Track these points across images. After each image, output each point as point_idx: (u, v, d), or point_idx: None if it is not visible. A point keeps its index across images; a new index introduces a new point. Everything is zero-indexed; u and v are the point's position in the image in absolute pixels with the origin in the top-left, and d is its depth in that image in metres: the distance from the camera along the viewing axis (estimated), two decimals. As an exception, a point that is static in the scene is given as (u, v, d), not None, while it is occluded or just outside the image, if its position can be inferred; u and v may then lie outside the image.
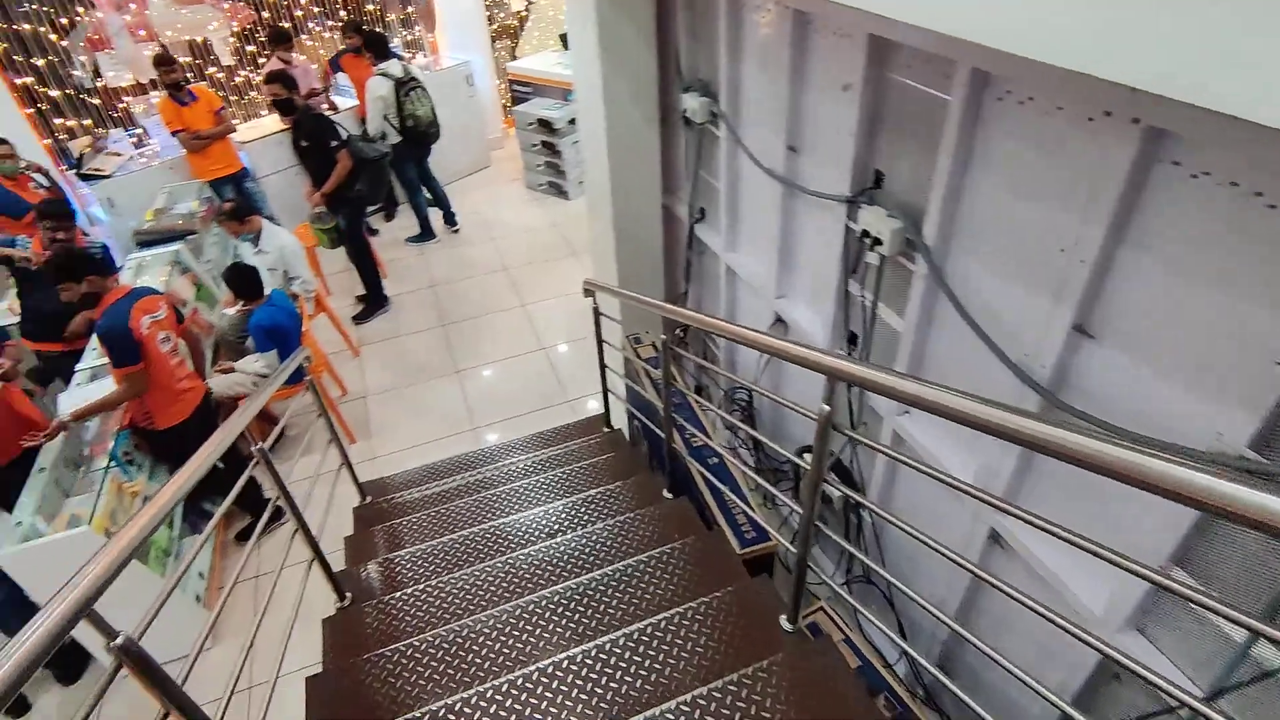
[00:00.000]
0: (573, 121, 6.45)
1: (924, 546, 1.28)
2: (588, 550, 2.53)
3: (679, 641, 1.94)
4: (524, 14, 8.14)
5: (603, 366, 3.58)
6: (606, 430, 3.78)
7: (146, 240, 4.51)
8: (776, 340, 1.78)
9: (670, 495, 2.83)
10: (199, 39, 5.92)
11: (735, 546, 2.42)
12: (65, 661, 3.10)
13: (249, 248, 4.35)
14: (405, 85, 5.28)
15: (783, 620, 1.89)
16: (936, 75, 1.79)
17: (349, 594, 2.57)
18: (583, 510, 2.84)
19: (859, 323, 2.41)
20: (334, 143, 4.57)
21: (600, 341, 3.49)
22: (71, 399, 3.25)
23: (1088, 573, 1.69)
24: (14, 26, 4.93)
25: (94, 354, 3.60)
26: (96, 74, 5.46)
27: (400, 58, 5.55)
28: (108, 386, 3.17)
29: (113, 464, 3.01)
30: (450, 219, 6.38)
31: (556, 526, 2.80)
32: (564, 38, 6.83)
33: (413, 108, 5.34)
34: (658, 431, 3.00)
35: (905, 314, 2.12)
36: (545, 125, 6.45)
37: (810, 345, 1.61)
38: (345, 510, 3.33)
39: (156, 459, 3.35)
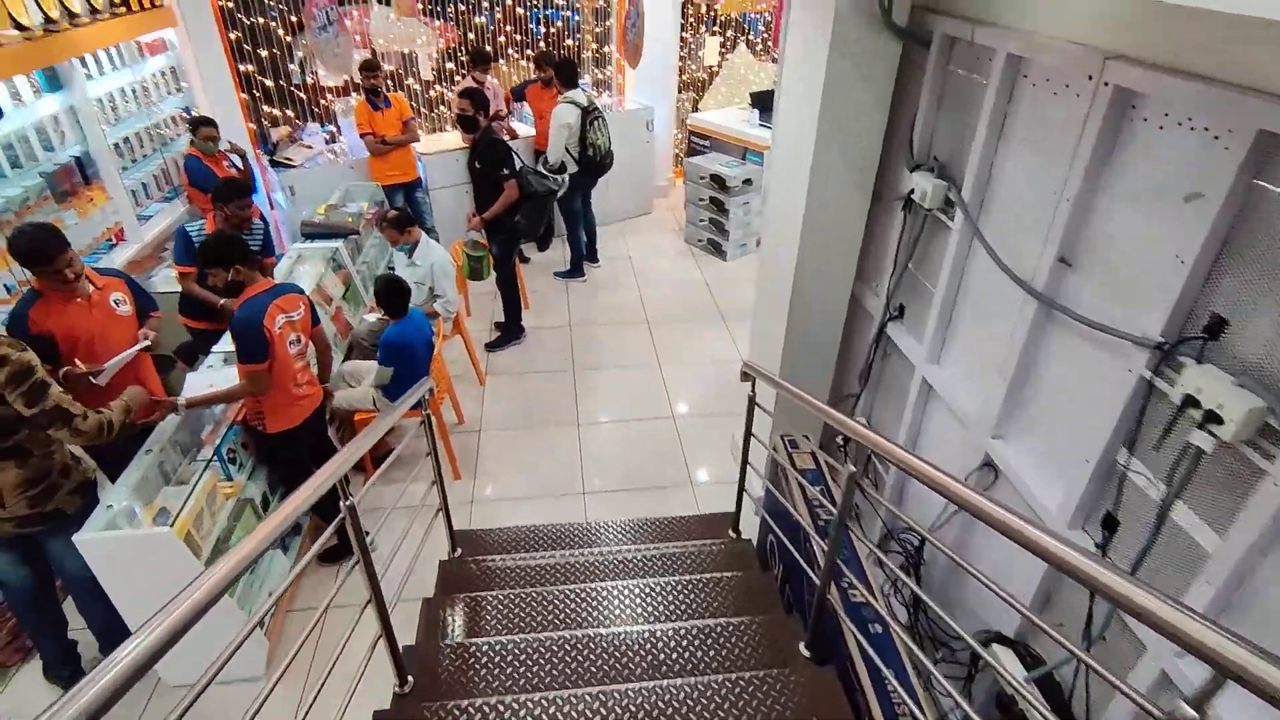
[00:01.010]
0: (748, 182, 6.10)
1: None
2: (699, 711, 2.00)
3: None
4: (715, 69, 8.00)
5: (745, 464, 3.07)
6: (734, 536, 3.24)
7: (311, 233, 4.54)
8: (996, 508, 1.32)
9: (810, 655, 2.25)
10: (406, 50, 6.14)
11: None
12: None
13: (403, 258, 4.26)
14: (590, 114, 5.17)
15: None
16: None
17: (411, 679, 2.17)
18: (696, 646, 2.31)
19: (1128, 511, 1.77)
20: (505, 170, 4.44)
21: (749, 436, 2.99)
22: (199, 381, 3.14)
23: None
24: (251, 19, 5.27)
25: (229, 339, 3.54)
26: (303, 69, 5.75)
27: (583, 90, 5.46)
28: (233, 376, 3.04)
29: (215, 459, 2.83)
30: (593, 254, 6.19)
31: (663, 659, 2.28)
32: (755, 97, 6.55)
33: (594, 136, 5.23)
34: (799, 561, 2.44)
35: (1230, 532, 1.46)
36: (718, 181, 6.13)
37: (1037, 521, 1.27)
38: (432, 559, 2.99)
39: (259, 461, 3.17)
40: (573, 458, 4.10)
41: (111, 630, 2.74)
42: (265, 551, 1.54)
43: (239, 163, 4.62)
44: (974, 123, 2.29)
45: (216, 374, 3.22)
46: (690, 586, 2.68)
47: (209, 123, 4.27)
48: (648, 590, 2.66)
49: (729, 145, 6.41)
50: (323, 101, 5.89)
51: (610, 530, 3.30)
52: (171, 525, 2.43)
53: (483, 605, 2.62)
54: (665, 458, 4.13)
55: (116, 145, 4.07)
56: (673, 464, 4.08)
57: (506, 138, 5.68)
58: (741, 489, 3.14)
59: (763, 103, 6.49)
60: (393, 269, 4.35)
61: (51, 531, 2.54)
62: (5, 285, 3.25)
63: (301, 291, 3.07)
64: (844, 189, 2.81)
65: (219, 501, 2.77)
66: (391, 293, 3.62)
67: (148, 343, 3.00)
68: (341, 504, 1.79)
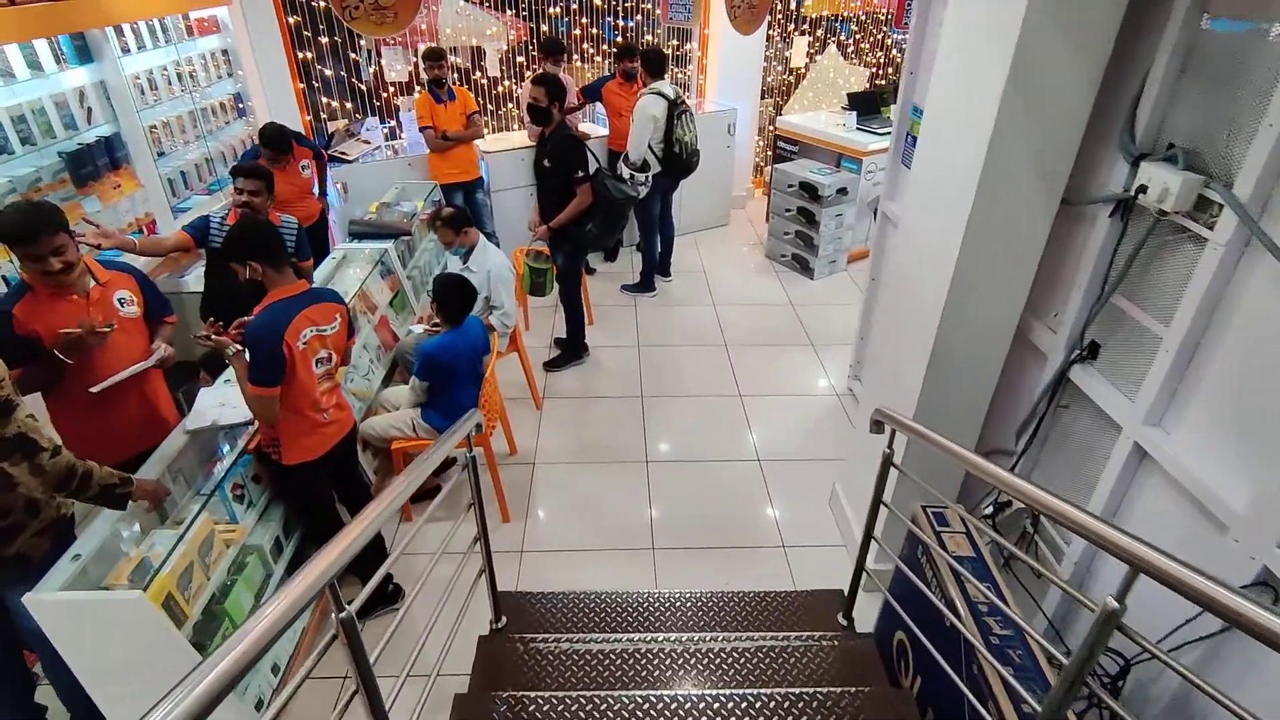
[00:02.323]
0: (842, 191, 5.42)
1: None
2: None
3: None
4: (803, 71, 7.35)
5: (869, 537, 2.39)
6: (846, 627, 2.55)
7: (359, 232, 4.09)
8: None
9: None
10: (473, 42, 5.71)
11: None
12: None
13: (457, 262, 3.74)
14: (677, 107, 4.61)
15: None
16: None
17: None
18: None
19: None
20: (580, 173, 3.88)
21: (879, 503, 2.31)
22: (211, 399, 2.66)
23: None
24: (313, 2, 4.91)
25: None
26: (371, 57, 5.37)
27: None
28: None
29: (216, 495, 2.32)
30: (665, 267, 5.60)
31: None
32: (853, 98, 5.88)
33: (681, 132, 4.67)
34: (954, 678, 1.75)
35: None
36: (808, 191, 5.47)
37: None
38: (471, 632, 2.42)
39: (274, 497, 2.66)
40: (639, 502, 3.48)
41: (83, 701, 2.25)
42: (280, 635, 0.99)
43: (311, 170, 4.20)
44: (1253, 92, 1.60)
45: (234, 390, 2.73)
46: (797, 708, 2.02)
47: (274, 137, 3.82)
48: (739, 710, 2.00)
49: (821, 151, 5.75)
50: (384, 94, 5.50)
51: (686, 607, 2.65)
52: (146, 588, 1.91)
53: (527, 713, 2.01)
54: (748, 509, 3.46)
55: (153, 128, 3.70)
56: (758, 517, 3.41)
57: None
58: (861, 569, 2.46)
59: (862, 104, 5.81)
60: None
61: (12, 581, 2.05)
62: (4, 277, 2.85)
63: (341, 300, 2.55)
64: (1026, 190, 2.13)
65: (217, 550, 2.25)
66: (453, 295, 3.10)
67: (159, 357, 2.53)
68: (334, 616, 1.20)
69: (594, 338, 4.75)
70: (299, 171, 4.07)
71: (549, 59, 5.06)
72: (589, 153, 3.97)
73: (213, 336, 2.37)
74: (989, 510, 2.59)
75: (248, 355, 2.28)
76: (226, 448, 2.61)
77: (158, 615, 1.92)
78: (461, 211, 3.64)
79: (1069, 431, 2.33)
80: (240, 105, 4.62)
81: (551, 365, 4.51)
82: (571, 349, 4.55)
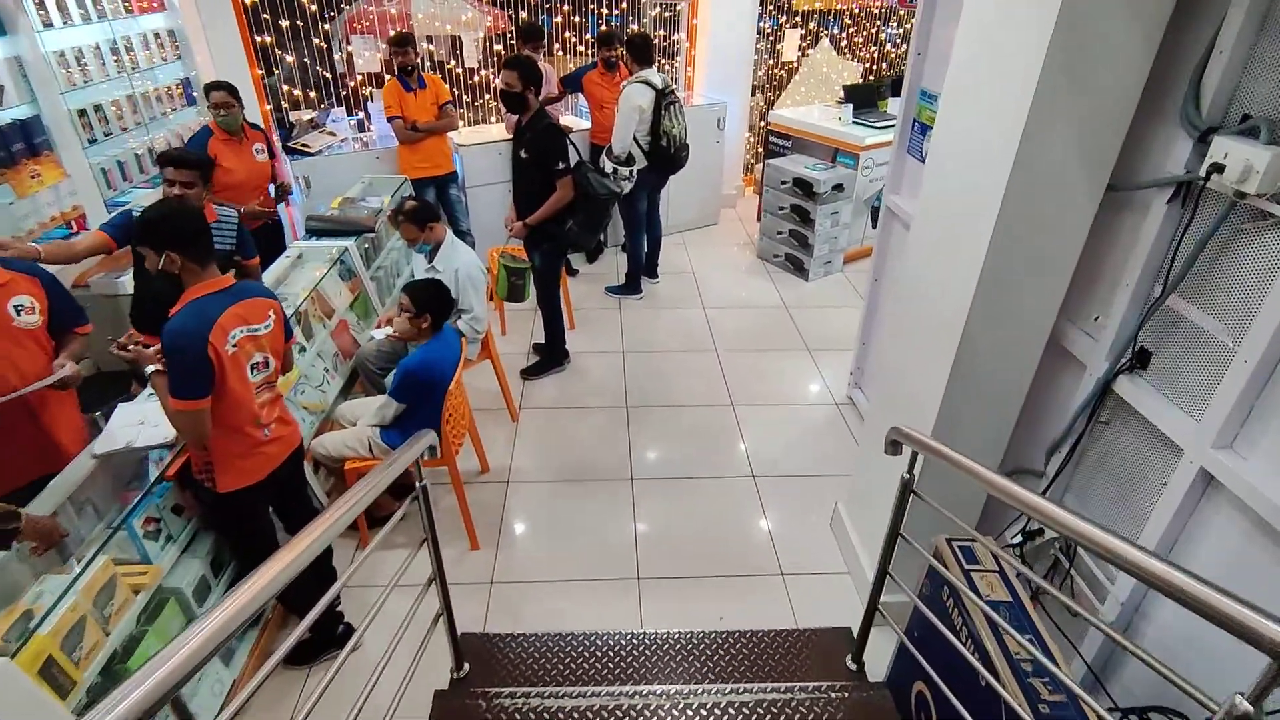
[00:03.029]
0: (838, 188, 5.13)
1: None
2: None
3: None
4: (796, 65, 7.08)
5: (884, 573, 2.08)
6: (856, 672, 2.25)
7: (318, 228, 3.74)
8: None
9: None
10: (448, 30, 5.38)
11: None
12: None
13: (421, 261, 3.41)
14: (665, 96, 4.31)
15: None
16: None
17: None
18: None
19: None
20: (560, 165, 3.56)
21: (896, 534, 2.00)
22: (128, 417, 2.31)
23: None
24: (270, -18, 4.57)
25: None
26: (339, 44, 5.03)
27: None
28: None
29: (122, 531, 1.98)
30: (653, 268, 5.29)
31: None
32: (849, 90, 5.60)
33: (669, 125, 4.37)
34: None
35: None
36: (803, 187, 5.18)
37: None
38: (430, 680, 2.10)
39: (204, 528, 2.31)
40: (623, 525, 3.16)
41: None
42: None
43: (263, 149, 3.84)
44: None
45: (156, 405, 2.38)
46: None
47: (221, 87, 3.50)
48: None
49: (816, 146, 5.46)
50: (351, 82, 5.15)
51: (676, 650, 2.34)
52: (16, 653, 1.56)
53: (488, 794, 1.68)
54: (743, 532, 3.15)
55: (83, 112, 3.35)
56: (753, 541, 3.10)
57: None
58: (874, 609, 2.15)
59: (858, 97, 5.53)
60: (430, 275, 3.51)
61: None
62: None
63: (272, 296, 2.22)
64: (1067, 176, 1.84)
65: (121, 598, 1.90)
66: (432, 299, 2.78)
67: (60, 377, 2.18)
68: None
69: (575, 343, 4.43)
70: (252, 154, 3.72)
71: (527, 45, 4.75)
72: (571, 144, 3.65)
73: (129, 348, 2.03)
74: (1015, 538, 2.29)
75: (168, 365, 1.95)
76: (155, 472, 2.27)
77: (31, 686, 1.58)
78: (426, 204, 3.30)
79: (1111, 451, 2.04)
80: (190, 91, 4.27)
81: (529, 373, 4.18)
82: (551, 355, 4.22)
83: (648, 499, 3.31)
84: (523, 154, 3.64)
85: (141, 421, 2.27)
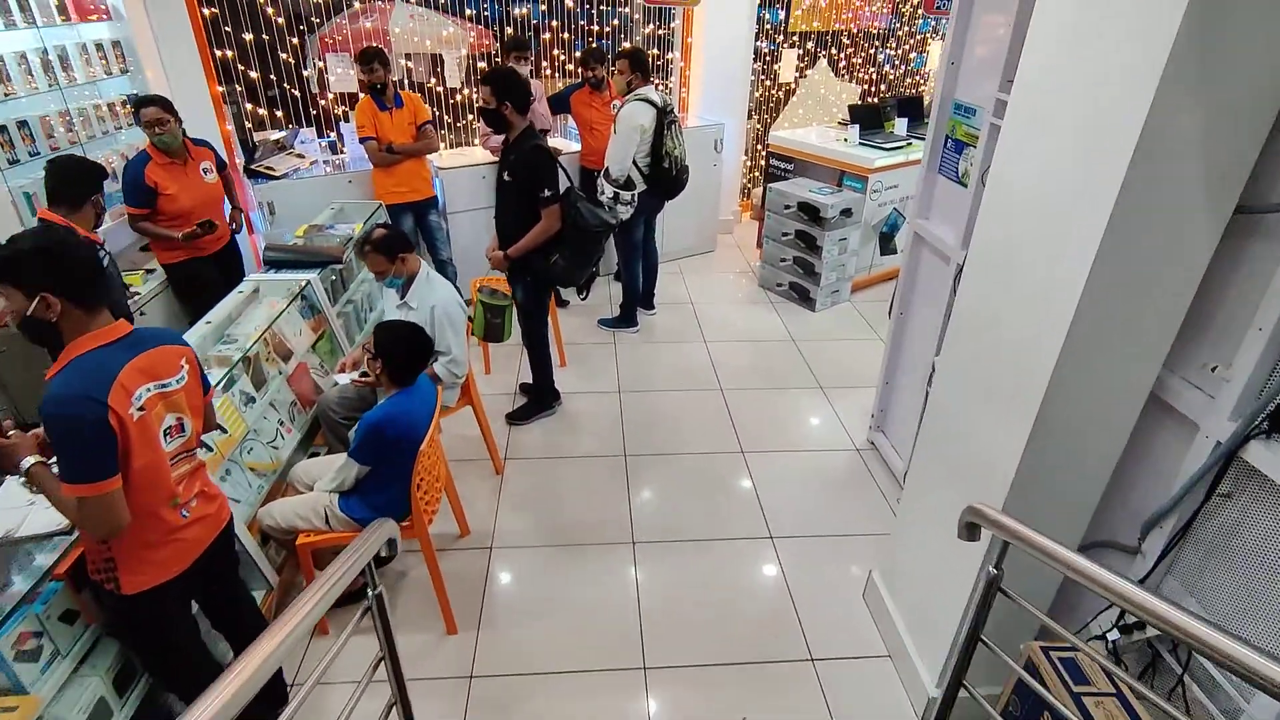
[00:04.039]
0: (846, 213, 4.80)
1: None
2: None
3: None
4: (793, 86, 6.82)
5: (958, 683, 1.68)
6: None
7: (277, 259, 3.33)
8: None
9: None
10: (428, 47, 5.04)
11: None
12: None
13: (393, 296, 3.01)
14: (666, 115, 3.98)
15: None
16: None
17: None
18: None
19: None
20: (546, 191, 3.18)
21: (976, 639, 1.60)
22: (12, 492, 1.87)
23: None
24: (232, -6, 4.21)
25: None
26: (308, 61, 4.66)
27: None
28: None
29: (-7, 656, 1.53)
30: (649, 299, 4.92)
31: None
32: (855, 110, 5.31)
33: (671, 145, 4.03)
34: None
35: None
36: (809, 212, 4.85)
37: None
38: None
39: (106, 635, 1.86)
40: (626, 599, 2.73)
41: None
42: None
43: (212, 169, 3.44)
44: None
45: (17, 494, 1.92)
46: None
47: (152, 102, 3.11)
48: None
49: (820, 169, 5.15)
50: (323, 101, 4.78)
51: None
52: None
53: None
54: (764, 606, 2.73)
55: (3, 128, 2.93)
56: (775, 618, 2.68)
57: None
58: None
59: (865, 117, 5.24)
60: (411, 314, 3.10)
61: None
62: None
63: (181, 341, 1.80)
64: (1187, 195, 1.47)
65: (-19, 745, 1.45)
66: (404, 346, 2.37)
67: None
68: None
69: (566, 382, 4.03)
70: (200, 174, 3.32)
71: (510, 55, 4.40)
72: (560, 169, 3.28)
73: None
74: (1104, 628, 1.89)
75: (56, 447, 1.52)
76: (41, 563, 1.82)
77: None
78: (397, 233, 2.91)
79: (1237, 532, 1.66)
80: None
81: (515, 418, 3.76)
82: (539, 398, 3.81)
83: (652, 566, 2.88)
84: (506, 176, 3.26)
85: (31, 501, 1.83)
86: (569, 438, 3.70)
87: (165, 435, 1.70)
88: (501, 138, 3.31)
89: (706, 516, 3.16)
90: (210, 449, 2.32)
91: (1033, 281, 1.73)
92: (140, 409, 1.60)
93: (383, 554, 1.57)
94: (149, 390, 1.63)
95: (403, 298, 2.93)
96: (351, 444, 2.32)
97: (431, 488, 2.49)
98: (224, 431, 2.40)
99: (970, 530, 1.59)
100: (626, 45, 5.67)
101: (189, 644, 1.91)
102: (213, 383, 2.41)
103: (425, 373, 2.67)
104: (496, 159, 3.58)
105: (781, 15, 6.53)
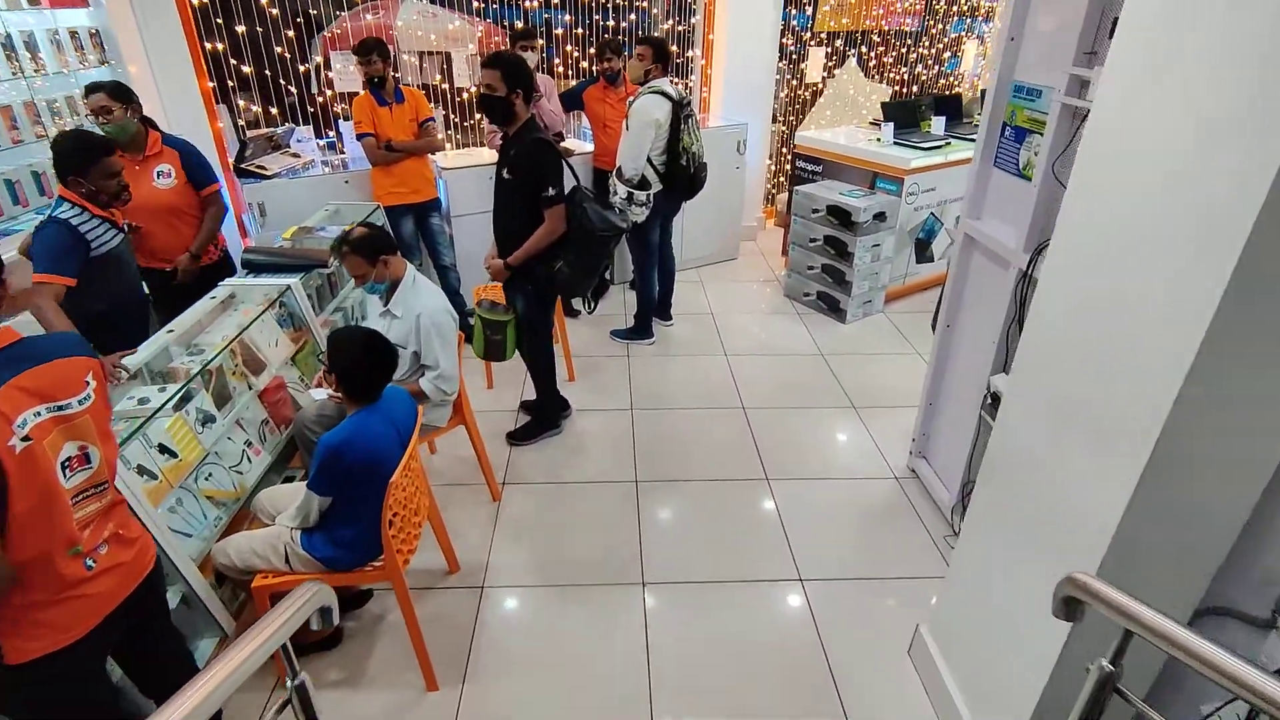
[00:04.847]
0: (880, 217, 4.44)
1: None
2: None
3: None
4: (820, 86, 6.47)
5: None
6: None
7: (256, 262, 3.05)
8: None
9: None
10: (433, 42, 4.78)
11: None
12: None
13: (376, 303, 2.70)
14: (683, 108, 3.67)
15: None
16: None
17: None
18: None
19: None
20: (550, 190, 2.87)
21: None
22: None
23: None
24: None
25: None
26: (308, 55, 4.42)
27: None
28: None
29: None
30: (665, 309, 4.58)
31: None
32: (888, 108, 4.95)
33: (689, 140, 3.72)
34: None
35: None
36: (839, 216, 4.49)
37: None
38: None
39: None
40: (633, 650, 2.38)
41: None
42: None
43: (169, 172, 3.14)
44: None
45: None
46: None
47: (101, 88, 2.85)
48: None
49: (851, 170, 4.79)
50: (320, 98, 4.53)
51: None
52: None
53: None
54: (794, 663, 2.36)
55: (-45, 119, 2.71)
56: (807, 675, 2.31)
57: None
58: None
59: (898, 116, 4.88)
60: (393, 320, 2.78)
61: None
62: None
63: (87, 353, 1.49)
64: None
65: None
66: (358, 360, 2.05)
67: None
68: None
69: (575, 398, 3.70)
70: (151, 177, 3.03)
71: (516, 46, 4.12)
72: (566, 165, 2.97)
73: None
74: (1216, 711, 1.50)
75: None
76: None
77: None
78: (380, 232, 2.60)
79: None
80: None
81: (517, 437, 3.44)
82: (544, 416, 3.48)
83: (664, 611, 2.53)
84: (506, 174, 2.95)
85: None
86: (575, 460, 3.36)
87: (64, 469, 1.39)
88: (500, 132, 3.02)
89: (727, 554, 2.80)
90: (155, 476, 2.02)
91: (1146, 286, 1.36)
92: (25, 439, 1.29)
93: (313, 626, 1.24)
94: (38, 415, 1.33)
95: (386, 305, 2.63)
96: (310, 473, 2.00)
97: (408, 523, 2.16)
98: (173, 456, 2.10)
99: (1069, 607, 1.22)
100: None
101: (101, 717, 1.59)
102: (164, 399, 2.13)
103: (405, 388, 2.36)
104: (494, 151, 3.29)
105: (809, 11, 6.20)
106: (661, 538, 2.87)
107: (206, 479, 2.28)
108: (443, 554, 2.67)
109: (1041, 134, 2.27)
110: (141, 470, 1.97)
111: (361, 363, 2.02)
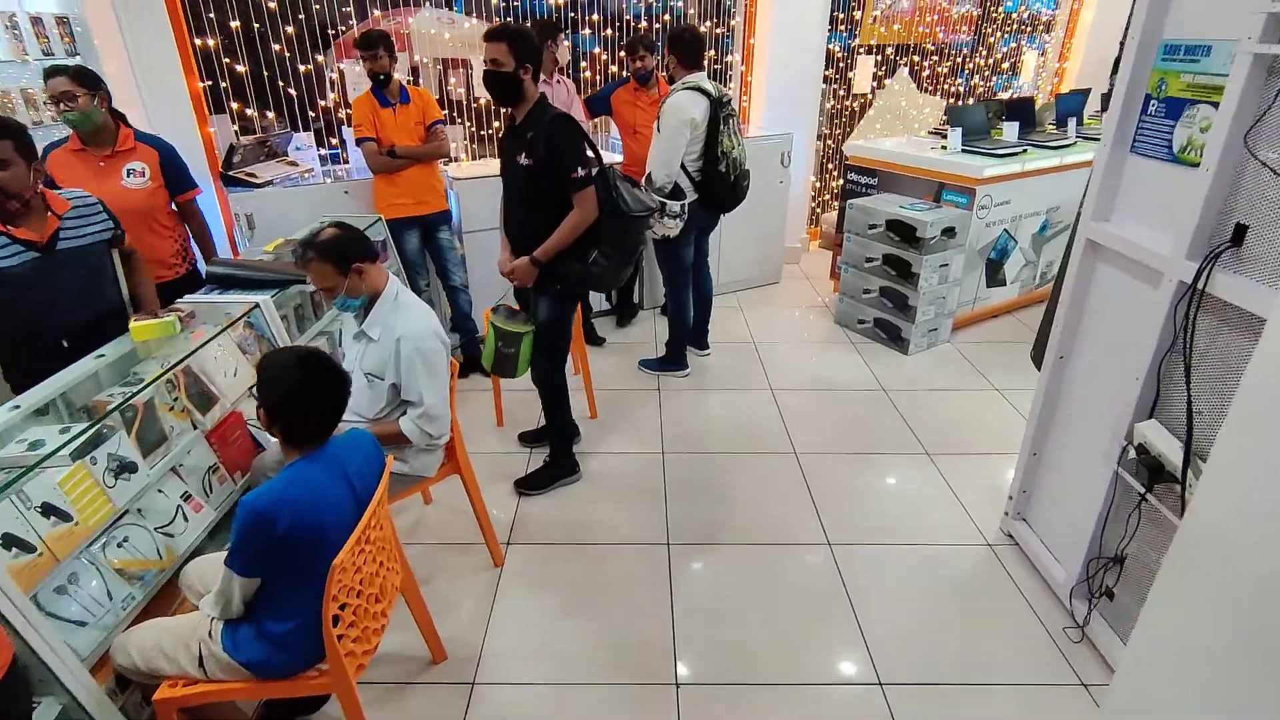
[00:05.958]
0: (949, 232, 3.87)
1: None
2: None
3: None
4: (869, 98, 5.96)
5: None
6: None
7: (222, 275, 2.60)
8: None
9: None
10: (450, 46, 4.39)
11: None
12: None
13: (350, 322, 2.21)
14: (724, 107, 3.20)
15: None
16: None
17: None
18: None
19: None
20: (580, 170, 2.40)
21: None
22: None
23: None
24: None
25: None
26: (308, 55, 4.05)
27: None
28: None
29: None
30: (701, 336, 4.04)
31: None
32: (953, 113, 4.42)
33: (729, 144, 3.25)
34: None
35: None
36: (901, 232, 3.93)
37: None
38: None
39: None
40: (663, 784, 1.79)
41: None
42: None
43: (140, 171, 2.73)
44: None
45: None
46: None
47: (62, 72, 2.46)
48: None
49: (911, 181, 4.25)
50: (321, 101, 4.14)
51: None
52: None
53: None
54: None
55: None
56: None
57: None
58: None
59: (966, 120, 4.34)
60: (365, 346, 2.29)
61: None
62: None
63: None
64: None
65: None
66: (298, 386, 1.53)
67: None
68: None
69: (597, 439, 3.16)
70: (120, 174, 2.63)
71: (542, 39, 3.68)
72: (591, 142, 2.52)
73: None
74: None
75: None
76: None
77: None
78: (353, 234, 2.10)
79: None
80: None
81: (527, 485, 2.90)
82: (560, 460, 2.95)
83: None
84: (522, 159, 2.48)
85: None
86: (596, 513, 2.81)
87: None
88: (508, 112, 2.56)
89: (782, 644, 2.20)
90: (31, 549, 1.52)
91: None
92: None
93: None
94: None
95: (361, 324, 2.13)
96: (231, 540, 1.48)
97: (365, 614, 1.62)
98: (64, 520, 1.60)
99: None
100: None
101: None
102: (57, 444, 1.64)
103: (380, 430, 1.84)
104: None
105: (855, 22, 5.72)
106: (700, 620, 2.29)
107: (120, 545, 1.78)
108: (425, 640, 2.12)
109: (1215, 103, 1.70)
110: (9, 542, 1.48)
111: (297, 393, 1.51)
